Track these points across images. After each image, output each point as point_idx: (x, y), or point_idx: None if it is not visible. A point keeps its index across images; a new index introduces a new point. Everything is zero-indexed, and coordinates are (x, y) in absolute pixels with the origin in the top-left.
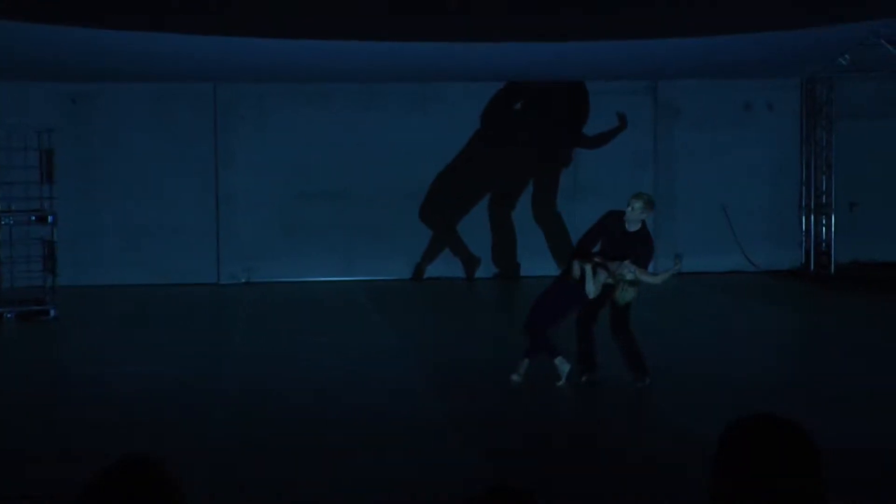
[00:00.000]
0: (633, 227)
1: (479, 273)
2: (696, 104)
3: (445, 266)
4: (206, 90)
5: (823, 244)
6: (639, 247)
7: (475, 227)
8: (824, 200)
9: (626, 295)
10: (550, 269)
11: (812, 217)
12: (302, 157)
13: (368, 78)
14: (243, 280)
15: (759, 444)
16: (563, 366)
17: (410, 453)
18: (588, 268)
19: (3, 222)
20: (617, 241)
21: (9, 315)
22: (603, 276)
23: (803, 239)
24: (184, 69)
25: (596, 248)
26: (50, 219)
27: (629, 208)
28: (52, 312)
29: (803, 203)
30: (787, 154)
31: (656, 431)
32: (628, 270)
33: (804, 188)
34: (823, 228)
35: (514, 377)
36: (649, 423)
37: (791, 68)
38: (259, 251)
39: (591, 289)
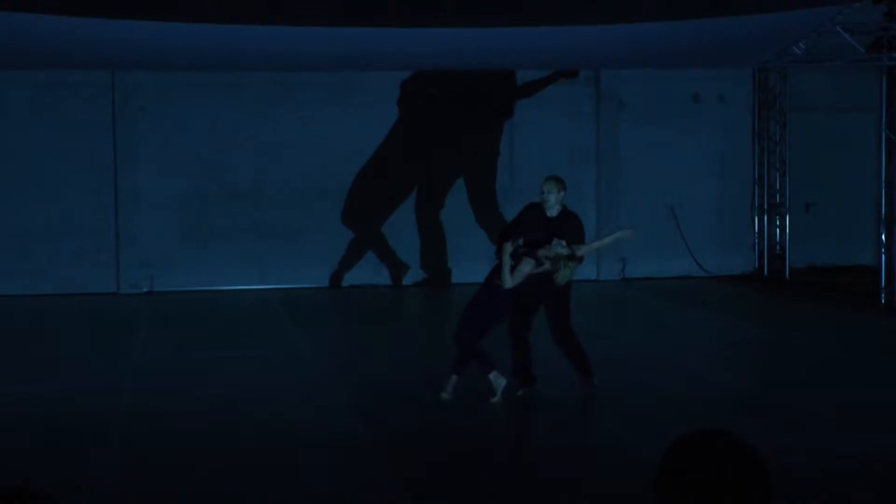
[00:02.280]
0: (553, 211)
1: (407, 279)
2: (640, 95)
3: (373, 272)
4: (102, 78)
5: (778, 247)
6: (565, 226)
7: (405, 230)
8: (779, 200)
9: (566, 273)
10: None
11: (766, 218)
12: (210, 153)
13: (283, 66)
14: (145, 289)
15: (705, 463)
16: (498, 381)
17: (329, 475)
18: (506, 257)
19: None
20: (542, 229)
21: None
22: (529, 266)
23: (756, 241)
24: (77, 55)
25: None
26: None
27: (543, 194)
28: None
29: (756, 203)
30: (739, 149)
31: (596, 449)
32: (560, 246)
33: (757, 186)
34: (778, 230)
35: (444, 395)
36: (589, 441)
37: (742, 57)
38: (163, 257)
39: (508, 279)
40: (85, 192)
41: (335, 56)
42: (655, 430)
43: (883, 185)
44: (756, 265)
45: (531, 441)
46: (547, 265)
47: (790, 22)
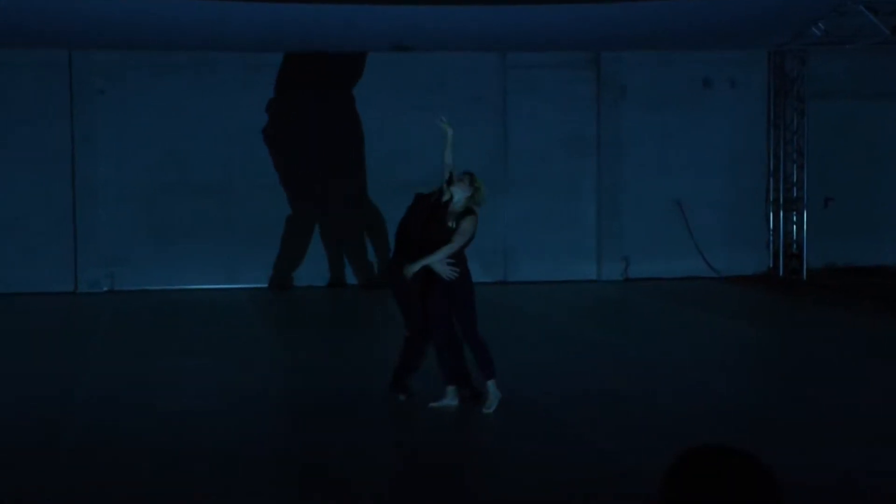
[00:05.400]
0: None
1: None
2: (645, 81)
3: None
4: (58, 59)
5: (794, 245)
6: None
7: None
8: (795, 194)
9: (483, 189)
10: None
11: (781, 213)
12: (175, 141)
13: (256, 47)
14: (105, 288)
15: (711, 478)
16: (495, 392)
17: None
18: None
19: None
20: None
21: None
22: (470, 222)
23: (771, 239)
24: (30, 32)
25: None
26: None
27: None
28: None
29: (771, 197)
30: (752, 139)
31: (589, 464)
32: (459, 185)
33: (772, 180)
34: (794, 227)
35: (433, 404)
36: (577, 453)
37: (757, 39)
38: (124, 254)
39: (445, 251)
40: (39, 184)
41: (317, 35)
42: (651, 443)
43: None
44: (770, 265)
45: (514, 451)
46: (477, 202)
47: (808, 0)
